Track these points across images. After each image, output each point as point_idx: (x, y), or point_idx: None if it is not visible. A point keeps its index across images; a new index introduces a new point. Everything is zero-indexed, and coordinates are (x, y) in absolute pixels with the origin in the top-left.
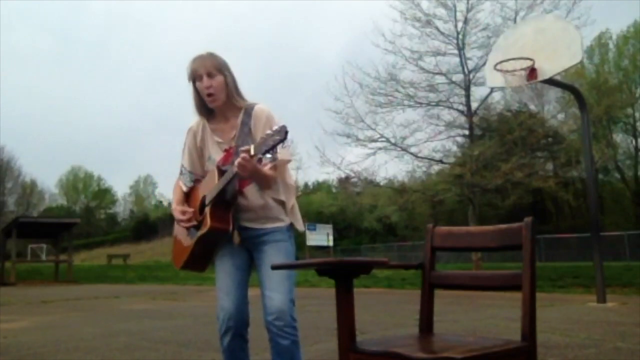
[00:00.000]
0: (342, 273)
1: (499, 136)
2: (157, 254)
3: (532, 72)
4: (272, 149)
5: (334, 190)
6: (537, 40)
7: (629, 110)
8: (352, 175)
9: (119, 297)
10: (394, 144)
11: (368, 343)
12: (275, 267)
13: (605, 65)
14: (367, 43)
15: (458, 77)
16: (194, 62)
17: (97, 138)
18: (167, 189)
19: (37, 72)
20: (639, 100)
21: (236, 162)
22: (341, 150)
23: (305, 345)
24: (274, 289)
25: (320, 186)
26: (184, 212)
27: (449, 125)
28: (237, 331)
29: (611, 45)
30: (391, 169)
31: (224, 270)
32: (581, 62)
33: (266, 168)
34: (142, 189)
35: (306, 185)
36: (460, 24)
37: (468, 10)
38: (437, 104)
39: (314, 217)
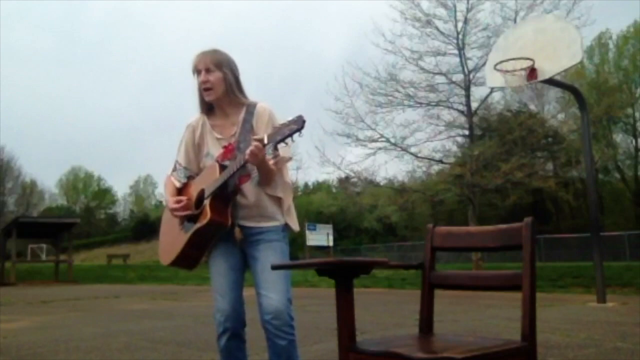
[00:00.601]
0: (342, 273)
1: (499, 136)
2: (157, 254)
3: (532, 72)
4: (288, 137)
5: (334, 190)
6: (537, 40)
7: (629, 110)
8: (352, 175)
9: (119, 297)
10: (394, 144)
11: (368, 343)
12: (275, 267)
13: (605, 65)
14: (367, 43)
15: (458, 77)
16: (196, 57)
17: (97, 138)
18: None
19: (37, 72)
20: (639, 100)
21: (248, 150)
22: (341, 150)
23: (305, 345)
24: (271, 289)
25: (320, 186)
26: (178, 201)
27: (449, 125)
28: (234, 332)
29: (611, 45)
30: (391, 169)
31: (219, 272)
32: (581, 62)
33: (269, 163)
34: (142, 189)
35: (306, 185)
36: (460, 24)
37: (468, 10)
38: (437, 104)
39: (314, 217)
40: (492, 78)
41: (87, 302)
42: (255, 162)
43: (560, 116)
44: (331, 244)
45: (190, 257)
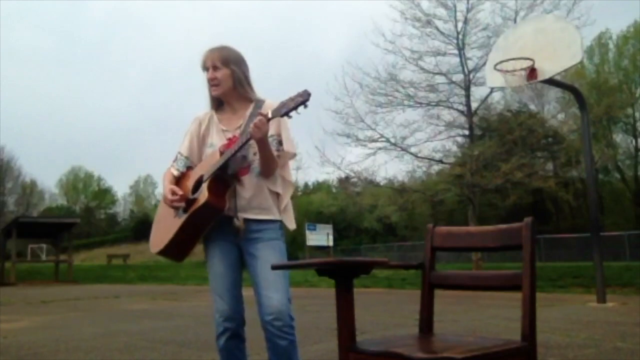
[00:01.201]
0: (342, 273)
1: (499, 136)
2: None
3: (532, 72)
4: (293, 110)
5: (334, 190)
6: (537, 40)
7: (629, 110)
8: (352, 175)
9: (119, 297)
10: (394, 144)
11: (368, 343)
12: (275, 267)
13: (605, 65)
14: (367, 43)
15: (458, 77)
16: (204, 54)
17: (97, 138)
18: None
19: (37, 72)
20: (639, 100)
21: (252, 124)
22: (341, 150)
23: (305, 345)
24: (272, 289)
25: (320, 186)
26: (174, 192)
27: (449, 125)
28: (233, 332)
29: (611, 45)
30: (391, 169)
31: (216, 272)
32: (581, 62)
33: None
34: (142, 189)
35: (306, 185)
36: (460, 24)
37: (468, 10)
38: (437, 104)
39: (314, 217)
40: (492, 78)
41: (87, 302)
42: (258, 136)
43: (560, 116)
44: (331, 244)
45: (182, 244)
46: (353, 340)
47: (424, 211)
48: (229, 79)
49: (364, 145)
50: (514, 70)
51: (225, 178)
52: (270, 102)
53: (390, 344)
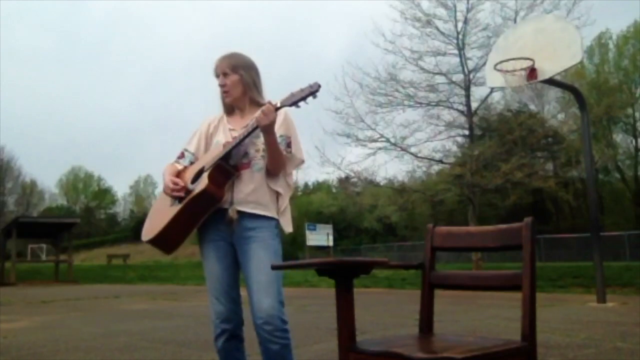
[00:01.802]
0: (342, 273)
1: (499, 136)
2: (157, 254)
3: (532, 72)
4: (302, 100)
5: (334, 190)
6: (537, 40)
7: (629, 110)
8: (352, 175)
9: (119, 297)
10: (394, 144)
11: (368, 343)
12: (275, 267)
13: (605, 65)
14: (367, 43)
15: (458, 77)
16: (216, 61)
17: (97, 138)
18: None
19: (37, 72)
20: (639, 100)
21: (259, 111)
22: (341, 150)
23: (305, 345)
24: (262, 292)
25: (320, 186)
26: (175, 183)
27: (449, 125)
28: (232, 333)
29: (611, 45)
30: (391, 169)
31: (213, 274)
32: (581, 62)
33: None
34: (142, 189)
35: (306, 185)
36: (460, 24)
37: (468, 10)
38: (437, 104)
39: (314, 217)
40: (492, 78)
41: (87, 302)
42: (264, 123)
43: (560, 116)
44: (331, 244)
45: (174, 233)
46: (353, 340)
47: (424, 211)
48: (238, 84)
49: (364, 145)
50: (514, 70)
51: (226, 168)
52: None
53: (390, 344)
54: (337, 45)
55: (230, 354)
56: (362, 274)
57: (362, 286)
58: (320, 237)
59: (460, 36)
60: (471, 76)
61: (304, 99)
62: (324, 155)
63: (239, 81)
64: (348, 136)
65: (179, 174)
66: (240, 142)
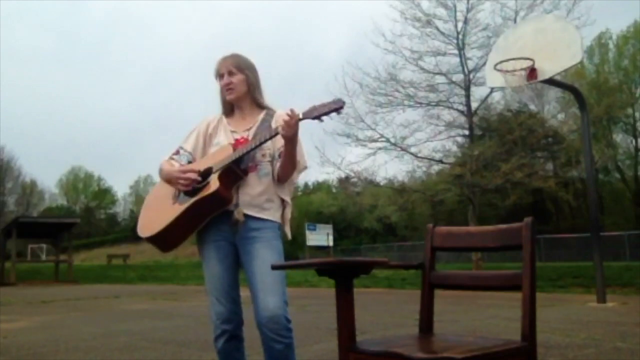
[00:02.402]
0: (342, 273)
1: (499, 136)
2: (157, 254)
3: (532, 72)
4: (325, 115)
5: (334, 190)
6: (537, 40)
7: (629, 110)
8: (352, 175)
9: (119, 297)
10: (394, 144)
11: (368, 343)
12: (275, 268)
13: (605, 65)
14: (367, 43)
15: (458, 77)
16: (219, 61)
17: (97, 138)
18: None
19: (37, 72)
20: (639, 100)
21: (281, 119)
22: (341, 150)
23: (305, 345)
24: (268, 291)
25: (320, 186)
26: (185, 171)
27: (449, 125)
28: (232, 333)
29: (611, 45)
30: (391, 169)
31: (214, 274)
32: (581, 62)
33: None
34: (142, 189)
35: (306, 185)
36: (460, 24)
37: (468, 10)
38: (437, 104)
39: (314, 217)
40: (492, 78)
41: (87, 302)
42: (289, 134)
43: (560, 116)
44: (331, 244)
45: (177, 232)
46: (353, 340)
47: (424, 211)
48: (243, 84)
49: (364, 145)
50: (514, 70)
51: (236, 172)
52: (281, 113)
53: (390, 344)
54: (337, 45)
55: (230, 355)
56: (362, 274)
57: (362, 286)
58: (320, 237)
59: (460, 36)
60: (471, 76)
61: (327, 113)
62: (324, 155)
63: (244, 81)
64: (348, 136)
65: None
66: (255, 148)
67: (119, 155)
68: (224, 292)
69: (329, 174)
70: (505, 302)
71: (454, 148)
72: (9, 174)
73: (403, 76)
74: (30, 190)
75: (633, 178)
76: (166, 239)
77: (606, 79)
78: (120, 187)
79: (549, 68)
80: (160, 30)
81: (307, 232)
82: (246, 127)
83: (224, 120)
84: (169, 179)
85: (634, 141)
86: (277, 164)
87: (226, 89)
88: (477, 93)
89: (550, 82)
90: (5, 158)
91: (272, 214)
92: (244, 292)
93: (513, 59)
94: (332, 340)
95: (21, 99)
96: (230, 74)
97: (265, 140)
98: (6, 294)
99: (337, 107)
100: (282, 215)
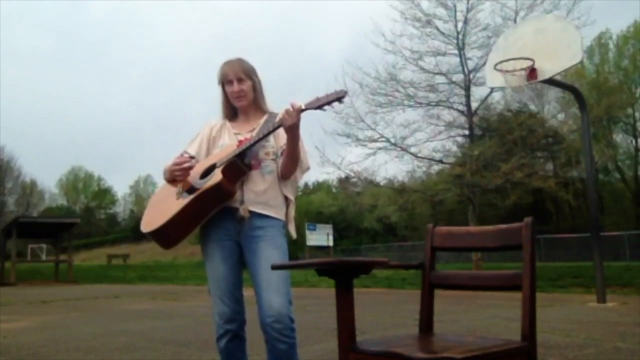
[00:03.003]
0: (342, 273)
1: (499, 136)
2: (157, 254)
3: (532, 72)
4: (327, 104)
5: (334, 190)
6: (537, 40)
7: (629, 110)
8: (352, 175)
9: (119, 297)
10: (394, 144)
11: (368, 343)
12: (275, 267)
13: (605, 65)
14: (367, 43)
15: (458, 77)
16: (224, 67)
17: (97, 138)
18: None
19: (37, 72)
20: (639, 100)
21: (283, 110)
22: (341, 150)
23: (305, 345)
24: (273, 290)
25: (320, 186)
26: (177, 159)
27: (449, 125)
28: (235, 333)
29: (611, 45)
30: (391, 169)
31: (218, 274)
32: (581, 62)
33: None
34: (142, 189)
35: (306, 185)
36: (460, 24)
37: (468, 10)
38: (437, 104)
39: (314, 217)
40: (492, 78)
41: (87, 302)
42: (288, 123)
43: (560, 116)
44: (331, 244)
45: (179, 227)
46: (353, 340)
47: (424, 211)
48: (252, 90)
49: (364, 145)
50: (514, 70)
51: (240, 166)
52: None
53: (390, 344)
54: (337, 45)
55: (232, 355)
56: (362, 274)
57: (362, 286)
58: (320, 237)
59: (460, 36)
60: (471, 76)
61: (329, 103)
62: (324, 155)
63: (253, 87)
64: (348, 136)
65: None
66: (258, 141)
67: (119, 155)
68: (228, 292)
69: (329, 174)
70: (505, 302)
71: (454, 148)
72: (9, 174)
73: (403, 76)
74: (30, 190)
75: (633, 178)
76: (169, 234)
77: (606, 79)
78: (120, 187)
79: (549, 68)
80: (160, 30)
81: (307, 232)
82: (249, 129)
83: (228, 124)
84: (168, 176)
85: (634, 141)
86: (280, 161)
87: (237, 96)
88: (477, 93)
89: (550, 82)
90: (5, 158)
91: (277, 212)
92: (248, 292)
93: (513, 59)
94: (332, 340)
95: (21, 99)
96: (240, 81)
97: (269, 133)
98: (6, 294)
99: (339, 96)
100: (286, 214)
